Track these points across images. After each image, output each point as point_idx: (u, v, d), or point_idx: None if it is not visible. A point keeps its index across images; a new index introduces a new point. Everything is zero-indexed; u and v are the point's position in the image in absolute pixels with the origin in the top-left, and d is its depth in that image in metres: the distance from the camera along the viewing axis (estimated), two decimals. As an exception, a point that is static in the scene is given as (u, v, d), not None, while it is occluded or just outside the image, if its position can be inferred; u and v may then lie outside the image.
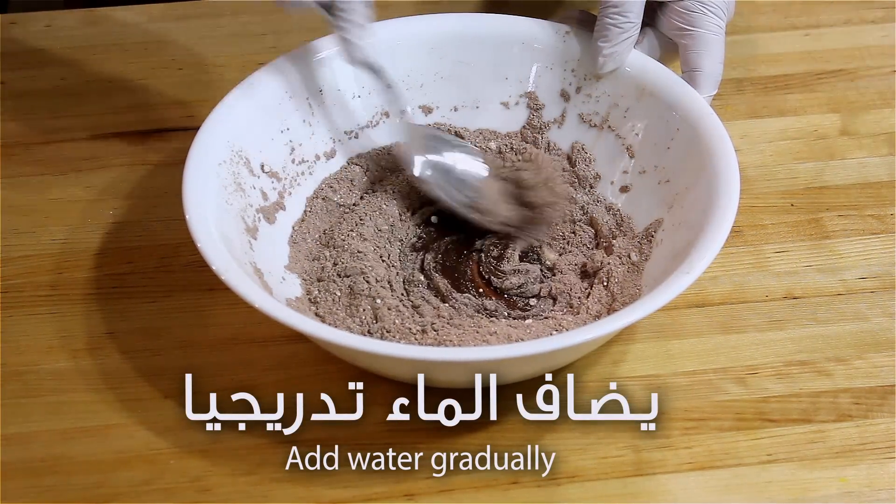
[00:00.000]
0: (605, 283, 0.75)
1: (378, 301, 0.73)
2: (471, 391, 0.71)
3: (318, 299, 0.74)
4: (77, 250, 0.80)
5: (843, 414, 0.71)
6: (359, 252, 0.76)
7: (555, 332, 0.72)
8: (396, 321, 0.73)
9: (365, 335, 0.72)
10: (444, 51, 0.82)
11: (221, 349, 0.74)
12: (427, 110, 0.83)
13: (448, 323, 0.73)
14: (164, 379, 0.72)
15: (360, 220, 0.78)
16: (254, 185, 0.76)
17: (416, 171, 0.78)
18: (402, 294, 0.75)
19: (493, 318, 0.74)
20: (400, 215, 0.80)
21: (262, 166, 0.77)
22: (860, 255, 0.79)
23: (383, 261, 0.77)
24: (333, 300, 0.74)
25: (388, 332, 0.72)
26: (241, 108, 0.76)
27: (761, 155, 0.86)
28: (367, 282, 0.74)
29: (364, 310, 0.73)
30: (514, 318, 0.74)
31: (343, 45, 0.76)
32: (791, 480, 0.68)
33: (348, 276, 0.75)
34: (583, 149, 0.81)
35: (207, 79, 0.91)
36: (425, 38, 0.82)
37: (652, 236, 0.76)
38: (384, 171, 0.81)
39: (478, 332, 0.72)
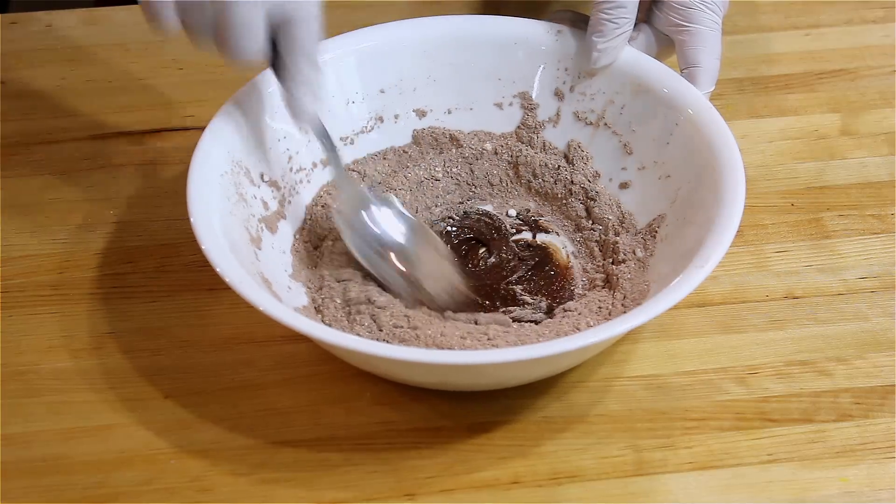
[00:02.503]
0: (615, 280, 0.75)
1: (375, 305, 0.73)
2: (472, 391, 0.71)
3: (322, 307, 0.74)
4: (78, 250, 0.80)
5: (843, 414, 0.71)
6: (355, 257, 0.76)
7: (571, 332, 0.71)
8: (397, 325, 0.72)
9: (369, 338, 0.72)
10: (437, 53, 0.82)
11: (221, 349, 0.74)
12: (421, 114, 0.83)
13: (451, 326, 0.73)
14: (165, 379, 0.72)
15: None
16: (255, 195, 0.76)
17: (353, 248, 0.76)
18: (402, 296, 0.75)
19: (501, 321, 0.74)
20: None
21: (262, 175, 0.77)
22: (860, 255, 0.79)
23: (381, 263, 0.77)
24: (335, 307, 0.74)
25: (389, 335, 0.72)
26: (239, 117, 0.76)
27: (762, 155, 0.86)
28: (364, 286, 0.74)
29: (363, 314, 0.73)
30: (523, 321, 0.74)
31: (289, 105, 0.74)
32: (792, 480, 0.68)
33: (343, 281, 0.75)
34: (579, 147, 0.81)
35: (207, 79, 0.91)
36: (418, 41, 0.82)
37: (655, 232, 0.76)
38: (381, 175, 0.81)
39: (483, 335, 0.72)
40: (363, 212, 0.76)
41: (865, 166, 0.85)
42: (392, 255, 0.75)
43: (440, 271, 0.76)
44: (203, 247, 0.68)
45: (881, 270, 0.78)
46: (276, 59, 0.72)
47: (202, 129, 0.74)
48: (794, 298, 0.77)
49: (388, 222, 0.76)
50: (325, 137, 0.76)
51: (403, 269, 0.75)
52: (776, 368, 0.73)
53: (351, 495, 0.68)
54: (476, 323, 0.73)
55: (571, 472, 0.68)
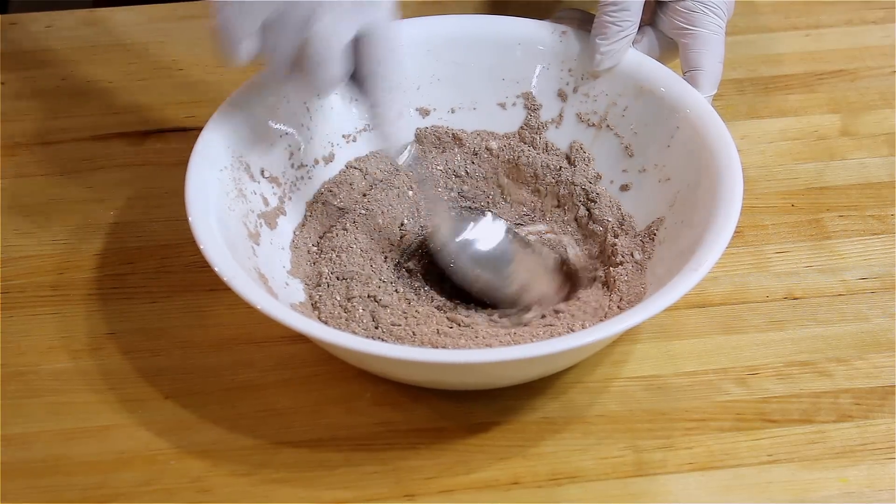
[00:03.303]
0: (612, 282, 0.75)
1: (375, 303, 0.73)
2: (472, 391, 0.71)
3: (320, 304, 0.74)
4: (78, 251, 0.80)
5: (843, 414, 0.71)
6: (355, 255, 0.76)
7: (566, 333, 0.71)
8: (395, 323, 0.72)
9: (365, 337, 0.72)
10: (441, 52, 0.82)
11: (221, 349, 0.74)
12: (424, 112, 0.83)
13: (449, 325, 0.73)
14: (165, 379, 0.72)
15: (356, 222, 0.78)
16: (255, 191, 0.76)
17: (452, 259, 0.76)
18: (401, 296, 0.75)
19: (496, 322, 0.74)
20: (398, 218, 0.80)
21: (263, 171, 0.77)
22: (861, 256, 0.79)
23: (381, 262, 0.77)
24: (333, 304, 0.74)
25: (387, 333, 0.72)
26: (240, 113, 0.76)
27: (762, 155, 0.86)
28: (364, 284, 0.74)
29: (361, 312, 0.73)
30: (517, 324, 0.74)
31: (375, 128, 0.74)
32: (792, 481, 0.68)
33: (344, 279, 0.75)
34: (581, 148, 0.81)
35: (208, 79, 0.91)
36: (422, 40, 0.82)
37: (654, 234, 0.76)
38: (383, 173, 0.81)
39: (475, 334, 0.72)
40: (460, 233, 0.77)
41: (865, 167, 0.85)
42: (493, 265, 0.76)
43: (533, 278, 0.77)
44: (201, 246, 0.68)
45: (881, 271, 0.78)
46: (354, 80, 0.71)
47: (202, 129, 0.74)
48: (795, 299, 0.77)
49: (484, 236, 0.77)
50: (418, 164, 0.77)
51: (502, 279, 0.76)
52: (776, 369, 0.73)
53: (351, 495, 0.68)
54: (459, 325, 0.73)
55: (571, 473, 0.68)
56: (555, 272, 0.77)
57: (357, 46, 0.69)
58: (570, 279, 0.77)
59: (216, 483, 0.68)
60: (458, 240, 0.76)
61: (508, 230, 0.78)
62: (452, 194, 0.82)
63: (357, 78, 0.71)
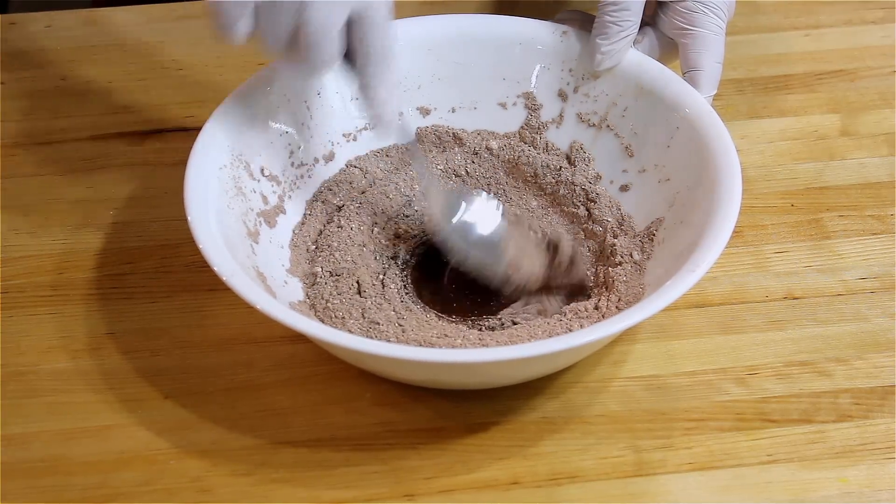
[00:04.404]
0: (611, 282, 0.75)
1: (369, 301, 0.73)
2: (471, 391, 0.71)
3: (316, 302, 0.74)
4: (77, 251, 0.80)
5: (843, 414, 0.71)
6: (349, 252, 0.76)
7: (564, 332, 0.71)
8: (390, 321, 0.72)
9: (361, 335, 0.72)
10: (442, 52, 0.82)
11: (221, 349, 0.74)
12: (425, 112, 0.83)
13: (446, 324, 0.73)
14: (165, 379, 0.72)
15: (351, 220, 0.78)
16: (254, 189, 0.76)
17: (449, 242, 0.76)
18: (398, 294, 0.75)
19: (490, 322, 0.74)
20: (396, 216, 0.80)
21: (262, 170, 0.77)
22: (860, 256, 0.79)
23: (376, 260, 0.77)
24: (329, 301, 0.74)
25: (382, 333, 0.72)
26: (240, 111, 0.76)
27: (761, 155, 0.86)
28: (359, 282, 0.74)
29: (354, 310, 0.73)
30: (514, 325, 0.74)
31: (368, 111, 0.73)
32: (791, 481, 0.68)
33: (339, 276, 0.75)
34: (581, 148, 0.81)
35: (207, 79, 0.91)
36: (423, 39, 0.82)
37: (653, 235, 0.76)
38: (383, 172, 0.81)
39: (476, 334, 0.72)
40: (455, 211, 0.76)
41: (865, 167, 0.85)
42: (484, 247, 0.76)
43: (524, 261, 0.76)
44: (200, 246, 0.68)
45: (881, 271, 0.78)
46: (347, 60, 0.71)
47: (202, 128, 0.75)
48: (794, 299, 0.77)
49: (478, 217, 0.77)
50: (412, 143, 0.76)
51: (494, 258, 0.76)
52: (776, 369, 0.73)
53: (351, 495, 0.68)
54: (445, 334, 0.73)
55: (571, 473, 0.68)
56: (544, 250, 0.77)
57: (350, 27, 0.69)
58: (561, 257, 0.77)
59: (216, 483, 0.68)
60: (452, 218, 0.76)
61: (502, 209, 0.78)
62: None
63: (350, 58, 0.71)
